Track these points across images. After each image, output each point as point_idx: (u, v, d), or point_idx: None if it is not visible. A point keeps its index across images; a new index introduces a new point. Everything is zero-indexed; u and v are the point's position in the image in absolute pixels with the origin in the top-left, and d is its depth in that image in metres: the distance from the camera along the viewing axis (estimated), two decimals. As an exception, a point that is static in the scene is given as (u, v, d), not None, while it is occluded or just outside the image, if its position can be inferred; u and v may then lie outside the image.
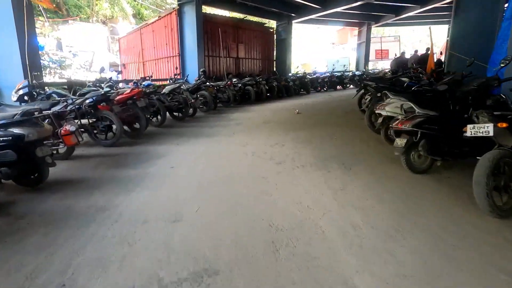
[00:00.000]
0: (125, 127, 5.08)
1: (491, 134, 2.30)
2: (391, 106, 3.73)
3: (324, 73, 15.21)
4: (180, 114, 6.88)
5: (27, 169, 2.96)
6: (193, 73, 9.70)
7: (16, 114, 2.86)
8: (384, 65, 20.31)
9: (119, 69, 13.75)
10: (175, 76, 8.28)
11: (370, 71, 16.36)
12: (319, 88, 13.96)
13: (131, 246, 2.02)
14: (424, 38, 27.70)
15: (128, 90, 5.24)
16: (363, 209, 2.52)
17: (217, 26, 11.38)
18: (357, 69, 17.77)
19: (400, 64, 10.35)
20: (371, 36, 18.53)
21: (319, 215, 2.42)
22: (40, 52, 10.64)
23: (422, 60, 8.73)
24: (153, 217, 2.41)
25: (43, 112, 3.41)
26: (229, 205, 2.62)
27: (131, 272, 1.77)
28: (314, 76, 14.26)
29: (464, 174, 3.14)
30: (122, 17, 19.74)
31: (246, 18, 13.55)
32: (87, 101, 4.47)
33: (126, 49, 14.10)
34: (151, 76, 9.06)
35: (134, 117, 5.15)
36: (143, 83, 6.94)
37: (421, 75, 6.11)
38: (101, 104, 4.62)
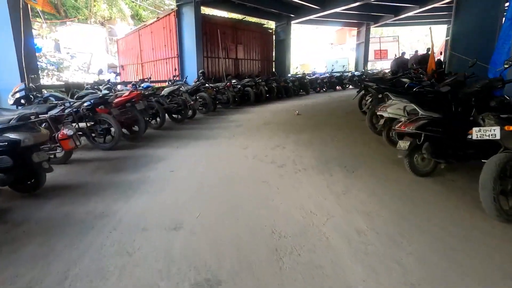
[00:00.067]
0: (124, 130, 5.02)
1: (498, 137, 2.26)
2: (393, 108, 3.68)
3: (323, 73, 15.19)
4: (179, 116, 6.82)
5: (24, 175, 2.90)
6: (192, 75, 9.66)
7: (12, 118, 2.80)
8: (383, 65, 20.33)
9: (118, 71, 13.67)
10: (174, 78, 8.22)
11: (369, 71, 16.35)
12: (318, 88, 13.93)
13: (131, 256, 1.96)
14: (422, 38, 27.76)
15: (127, 93, 5.18)
16: (367, 213, 2.47)
17: (216, 27, 11.34)
18: (356, 70, 17.76)
19: (401, 65, 10.32)
20: (370, 36, 18.53)
21: (323, 220, 2.37)
22: (37, 54, 10.59)
23: (423, 60, 8.70)
24: (153, 224, 2.36)
25: (39, 116, 3.35)
26: (231, 211, 2.57)
27: (130, 284, 1.71)
28: (313, 76, 14.24)
29: (468, 177, 3.10)
30: (120, 18, 19.65)
31: (245, 19, 13.51)
32: (85, 104, 4.42)
33: (125, 51, 14.04)
34: (150, 78, 9.03)
35: (133, 120, 5.09)
36: (142, 85, 6.90)
37: (421, 75, 6.08)
38: (99, 107, 4.55)
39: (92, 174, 3.61)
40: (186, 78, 9.14)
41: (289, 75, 14.49)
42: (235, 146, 4.75)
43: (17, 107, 4.85)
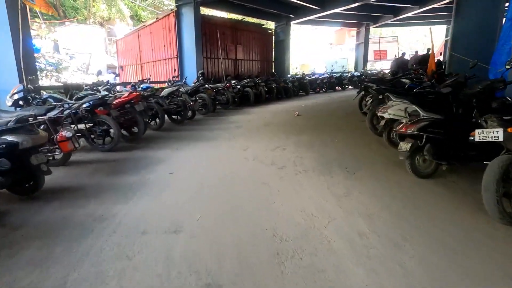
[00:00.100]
0: (123, 132, 4.99)
1: (501, 139, 2.24)
2: (394, 109, 3.66)
3: (323, 74, 15.18)
4: (179, 117, 6.79)
5: (22, 177, 2.87)
6: (191, 75, 9.63)
7: (10, 120, 2.77)
8: (382, 66, 20.34)
9: (117, 72, 13.64)
10: (174, 79, 8.19)
11: (368, 72, 16.35)
12: (318, 89, 13.92)
13: (130, 260, 1.94)
14: (421, 39, 27.80)
15: (126, 94, 5.15)
16: (369, 216, 2.45)
17: (215, 28, 11.32)
18: (355, 70, 17.76)
19: (401, 65, 10.30)
20: (369, 36, 18.53)
21: (324, 223, 2.35)
22: (36, 55, 10.55)
23: (423, 61, 8.68)
24: (153, 227, 2.33)
25: (38, 118, 3.31)
26: (231, 214, 2.55)
27: (130, 288, 1.69)
28: (313, 77, 14.22)
29: (470, 179, 3.09)
30: (120, 19, 19.63)
31: (244, 19, 13.49)
32: (84, 105, 4.39)
33: (124, 51, 13.99)
34: (149, 79, 8.99)
35: (132, 121, 5.07)
36: (141, 85, 6.87)
37: (422, 76, 6.06)
38: (99, 109, 4.53)
39: (91, 176, 3.58)
40: (185, 78, 9.12)
41: (289, 75, 14.46)
42: (235, 147, 4.72)
43: (15, 109, 4.81)
